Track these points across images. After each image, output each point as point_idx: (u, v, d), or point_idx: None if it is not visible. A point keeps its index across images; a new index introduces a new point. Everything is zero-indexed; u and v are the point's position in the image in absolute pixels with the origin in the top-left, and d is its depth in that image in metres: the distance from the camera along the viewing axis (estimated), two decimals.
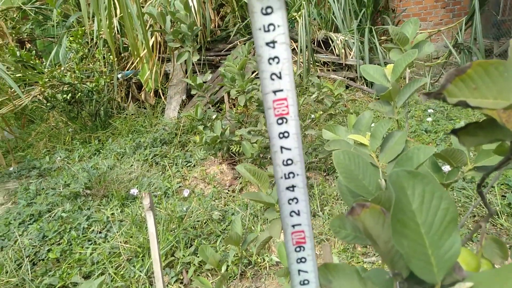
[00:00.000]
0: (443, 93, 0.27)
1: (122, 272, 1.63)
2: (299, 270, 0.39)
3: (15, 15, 4.09)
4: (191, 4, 3.19)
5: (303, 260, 0.39)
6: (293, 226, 0.37)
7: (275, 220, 0.75)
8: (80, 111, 3.59)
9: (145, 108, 3.72)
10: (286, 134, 0.33)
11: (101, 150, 3.06)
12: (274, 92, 0.31)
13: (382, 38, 4.22)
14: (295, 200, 0.36)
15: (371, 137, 0.83)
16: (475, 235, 1.67)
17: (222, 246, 1.78)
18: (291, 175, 0.35)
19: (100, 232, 1.92)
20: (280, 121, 0.33)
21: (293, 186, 0.36)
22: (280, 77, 0.31)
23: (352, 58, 3.81)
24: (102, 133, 3.43)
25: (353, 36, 3.80)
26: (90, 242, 1.86)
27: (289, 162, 0.35)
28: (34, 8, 4.08)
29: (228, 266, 1.60)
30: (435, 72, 4.10)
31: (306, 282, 0.39)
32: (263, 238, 0.74)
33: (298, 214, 0.37)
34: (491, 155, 0.69)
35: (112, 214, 2.02)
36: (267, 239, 0.74)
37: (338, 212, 1.97)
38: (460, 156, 0.73)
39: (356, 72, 3.79)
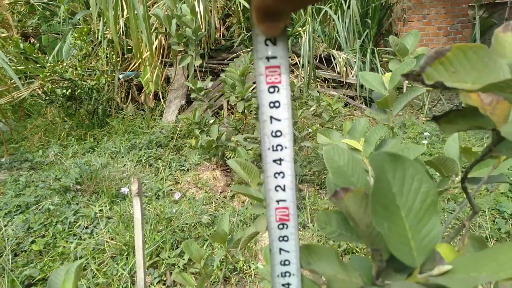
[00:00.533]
0: (422, 75, 0.27)
1: (104, 269, 1.60)
2: (280, 249, 0.38)
3: (22, 9, 4.12)
4: (197, 9, 3.23)
5: (285, 238, 0.37)
6: (278, 201, 0.36)
7: (262, 215, 0.74)
8: (78, 108, 3.58)
9: (143, 110, 3.73)
10: (277, 104, 0.32)
11: (95, 148, 3.04)
12: (268, 58, 0.31)
13: (384, 59, 4.27)
14: (281, 174, 0.35)
15: (365, 142, 0.83)
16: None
17: (209, 250, 1.76)
18: (279, 148, 0.34)
19: (86, 228, 1.89)
20: (271, 90, 0.32)
21: (280, 160, 0.35)
22: (274, 43, 0.30)
23: (352, 76, 3.85)
24: (98, 131, 3.42)
25: (355, 55, 3.84)
26: (75, 237, 1.83)
27: (278, 133, 0.34)
28: (42, 3, 4.12)
29: (212, 269, 1.58)
30: (433, 97, 4.14)
31: (287, 262, 0.38)
32: (249, 233, 0.72)
33: (284, 190, 0.36)
34: (482, 167, 0.69)
35: (101, 210, 2.00)
36: (253, 234, 0.73)
37: None
38: (452, 165, 0.73)
39: (356, 91, 3.83)
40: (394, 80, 0.83)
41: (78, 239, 1.81)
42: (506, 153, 0.33)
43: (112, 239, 1.76)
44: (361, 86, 3.79)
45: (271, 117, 0.33)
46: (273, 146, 0.34)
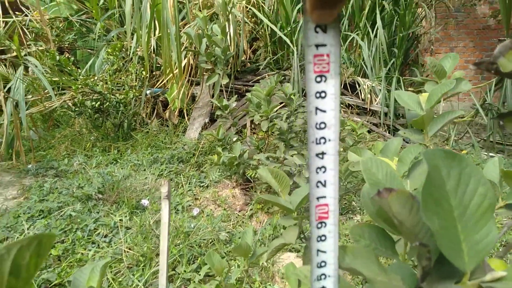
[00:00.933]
0: (497, 63, 0.27)
1: (120, 279, 1.59)
2: (318, 250, 0.35)
3: (61, 24, 4.34)
4: (227, 30, 3.32)
5: (323, 238, 0.35)
6: (318, 198, 0.34)
7: (291, 227, 0.72)
8: (105, 120, 3.68)
9: (167, 126, 3.79)
10: (323, 94, 0.31)
11: (118, 160, 3.10)
12: (317, 46, 0.30)
13: (409, 89, 4.24)
14: (322, 169, 0.33)
15: (399, 161, 0.81)
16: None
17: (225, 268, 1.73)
18: (322, 140, 0.32)
19: (105, 236, 1.90)
20: (318, 79, 0.30)
21: (322, 153, 0.33)
22: (324, 31, 0.30)
23: (377, 104, 3.83)
24: (122, 144, 3.49)
25: (380, 83, 3.84)
26: (93, 245, 1.83)
27: (322, 125, 0.32)
28: (79, 20, 4.33)
29: (231, 282, 1.54)
30: (460, 130, 4.06)
31: (323, 264, 0.36)
32: (277, 244, 0.71)
33: (324, 185, 0.34)
34: None
35: (121, 220, 2.01)
36: (281, 245, 0.71)
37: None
38: (492, 188, 0.70)
39: (380, 119, 3.80)
40: (431, 100, 0.82)
41: (96, 247, 1.81)
42: None
43: (130, 249, 1.76)
44: (385, 114, 3.76)
45: (316, 108, 0.31)
46: (316, 139, 0.32)
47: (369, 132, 3.69)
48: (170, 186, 0.69)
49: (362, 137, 2.32)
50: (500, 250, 0.57)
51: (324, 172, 0.33)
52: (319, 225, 0.35)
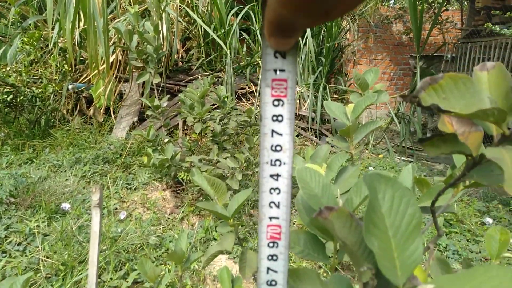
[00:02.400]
0: (419, 97, 0.31)
1: None
2: (268, 268, 0.37)
3: None
4: (160, 29, 3.23)
5: (274, 258, 0.37)
6: (270, 218, 0.35)
7: (228, 233, 0.74)
8: (18, 115, 3.33)
9: (91, 124, 3.56)
10: (280, 118, 0.32)
11: (34, 160, 2.83)
12: (275, 70, 0.31)
13: (334, 96, 4.52)
14: (277, 190, 0.35)
15: (327, 168, 0.87)
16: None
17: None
18: (277, 163, 0.34)
19: (18, 244, 1.72)
20: (276, 103, 0.32)
21: (277, 175, 0.34)
22: (284, 57, 0.31)
23: (305, 109, 4.02)
24: (39, 142, 3.19)
25: (308, 89, 4.03)
26: (4, 254, 1.65)
27: (278, 148, 0.33)
28: None
29: None
30: (377, 135, 4.43)
31: (273, 283, 0.37)
32: (213, 251, 0.71)
33: (278, 207, 0.35)
34: (432, 198, 0.75)
35: (37, 226, 1.84)
36: (217, 252, 0.72)
37: None
38: None
39: (307, 123, 3.98)
40: (356, 111, 0.89)
41: (7, 257, 1.64)
42: (477, 178, 0.37)
43: (48, 257, 1.62)
44: (312, 119, 3.96)
45: (273, 131, 0.33)
46: (271, 160, 0.34)
47: (297, 136, 3.85)
48: (102, 193, 0.66)
49: None
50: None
51: (278, 194, 0.35)
52: (271, 244, 0.37)
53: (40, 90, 3.26)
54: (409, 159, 3.85)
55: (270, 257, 0.37)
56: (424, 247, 0.57)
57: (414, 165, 0.73)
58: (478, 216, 2.46)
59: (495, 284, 0.25)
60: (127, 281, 1.55)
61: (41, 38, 3.45)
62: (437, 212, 0.66)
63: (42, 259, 1.60)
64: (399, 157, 3.86)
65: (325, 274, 1.79)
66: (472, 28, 4.55)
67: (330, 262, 0.58)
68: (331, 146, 1.10)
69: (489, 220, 2.36)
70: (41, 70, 3.44)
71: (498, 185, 0.33)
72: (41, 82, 3.40)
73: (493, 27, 3.12)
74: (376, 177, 0.34)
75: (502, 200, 2.71)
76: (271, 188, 0.35)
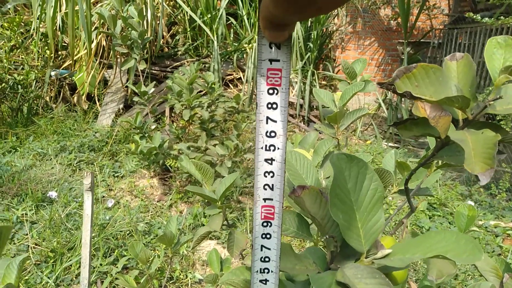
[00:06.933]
0: (394, 85, 0.33)
1: (27, 277, 1.47)
2: (262, 246, 0.40)
3: None
4: (145, 14, 3.17)
5: (268, 236, 0.39)
6: (265, 200, 0.38)
7: (215, 215, 0.76)
8: (0, 103, 3.27)
9: (76, 112, 3.51)
10: (274, 106, 0.34)
11: (18, 148, 2.79)
12: (271, 61, 0.33)
13: (323, 82, 4.55)
14: (271, 174, 0.37)
15: (314, 153, 0.89)
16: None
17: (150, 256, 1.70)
18: (271, 148, 0.36)
19: None
20: (271, 91, 0.33)
21: (272, 159, 0.36)
22: (278, 47, 0.32)
23: (293, 96, 4.03)
24: (22, 130, 3.14)
25: (296, 75, 4.04)
26: None
27: (272, 134, 0.35)
28: None
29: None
30: (365, 122, 4.49)
31: (267, 259, 0.40)
32: (202, 232, 0.74)
33: (272, 189, 0.38)
34: (413, 180, 0.79)
35: (25, 214, 1.83)
36: (206, 233, 0.74)
37: None
38: (388, 177, 0.82)
39: (296, 110, 4.01)
40: (344, 99, 0.91)
41: None
42: (446, 158, 0.40)
43: (37, 245, 1.62)
44: (301, 106, 3.98)
45: (268, 118, 0.35)
46: (266, 145, 0.36)
47: None
48: (94, 178, 0.67)
49: None
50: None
51: (272, 177, 0.37)
52: (265, 224, 0.39)
53: (22, 77, 3.19)
54: (396, 145, 3.93)
55: (264, 236, 0.39)
56: (399, 222, 0.60)
57: (399, 150, 0.76)
58: (461, 199, 2.55)
59: (441, 246, 0.29)
60: (117, 267, 1.57)
61: (22, 23, 3.36)
62: (411, 192, 0.70)
63: (31, 246, 1.60)
64: (386, 143, 3.93)
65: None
66: (458, 14, 4.60)
67: (314, 239, 0.61)
68: (319, 132, 1.13)
69: (471, 203, 2.45)
70: (23, 56, 3.36)
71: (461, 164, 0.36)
72: (22, 69, 3.33)
73: (475, 16, 3.16)
74: (342, 157, 0.37)
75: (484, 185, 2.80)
76: (266, 172, 0.37)
